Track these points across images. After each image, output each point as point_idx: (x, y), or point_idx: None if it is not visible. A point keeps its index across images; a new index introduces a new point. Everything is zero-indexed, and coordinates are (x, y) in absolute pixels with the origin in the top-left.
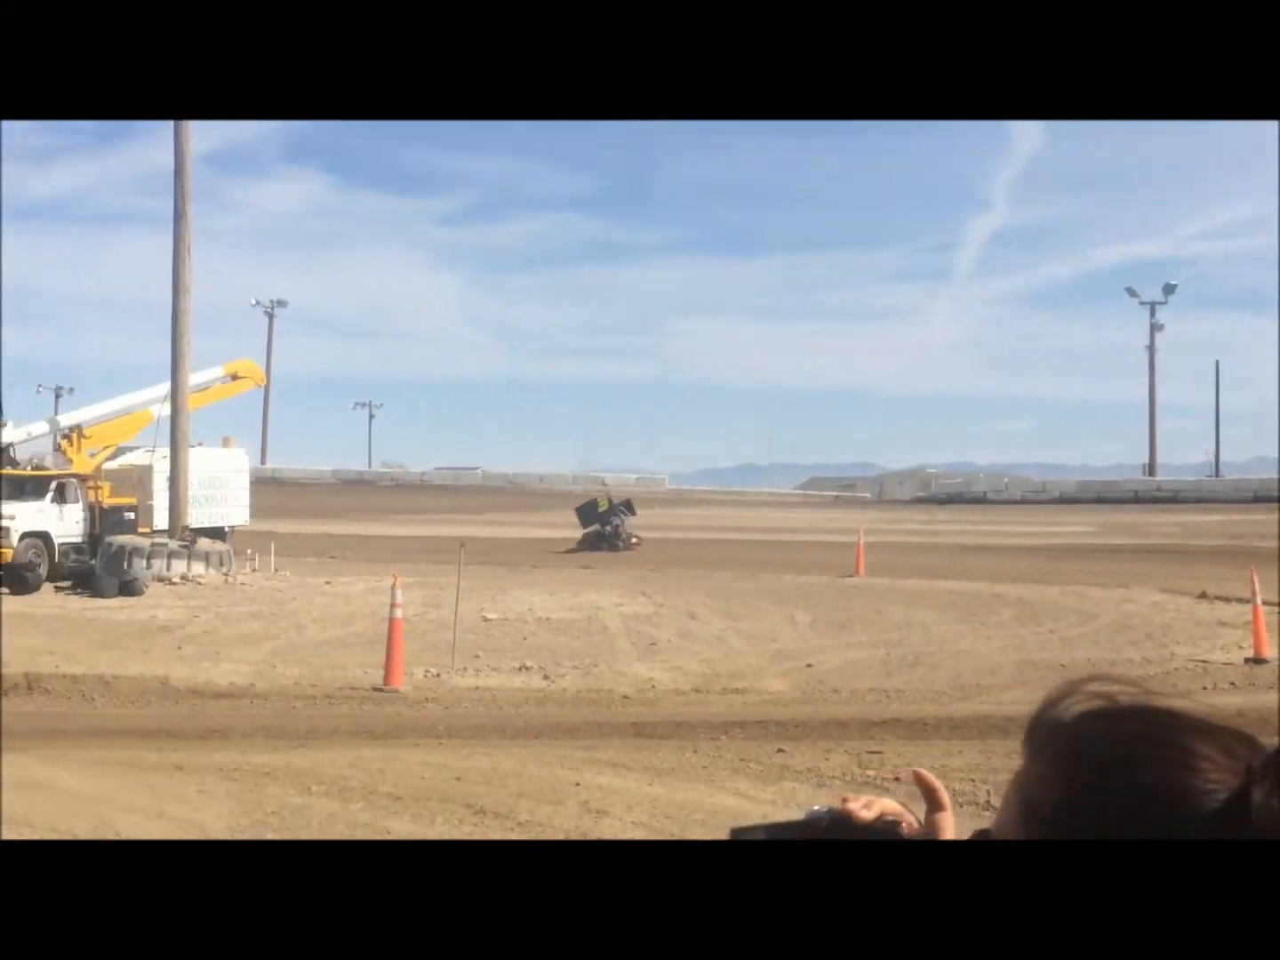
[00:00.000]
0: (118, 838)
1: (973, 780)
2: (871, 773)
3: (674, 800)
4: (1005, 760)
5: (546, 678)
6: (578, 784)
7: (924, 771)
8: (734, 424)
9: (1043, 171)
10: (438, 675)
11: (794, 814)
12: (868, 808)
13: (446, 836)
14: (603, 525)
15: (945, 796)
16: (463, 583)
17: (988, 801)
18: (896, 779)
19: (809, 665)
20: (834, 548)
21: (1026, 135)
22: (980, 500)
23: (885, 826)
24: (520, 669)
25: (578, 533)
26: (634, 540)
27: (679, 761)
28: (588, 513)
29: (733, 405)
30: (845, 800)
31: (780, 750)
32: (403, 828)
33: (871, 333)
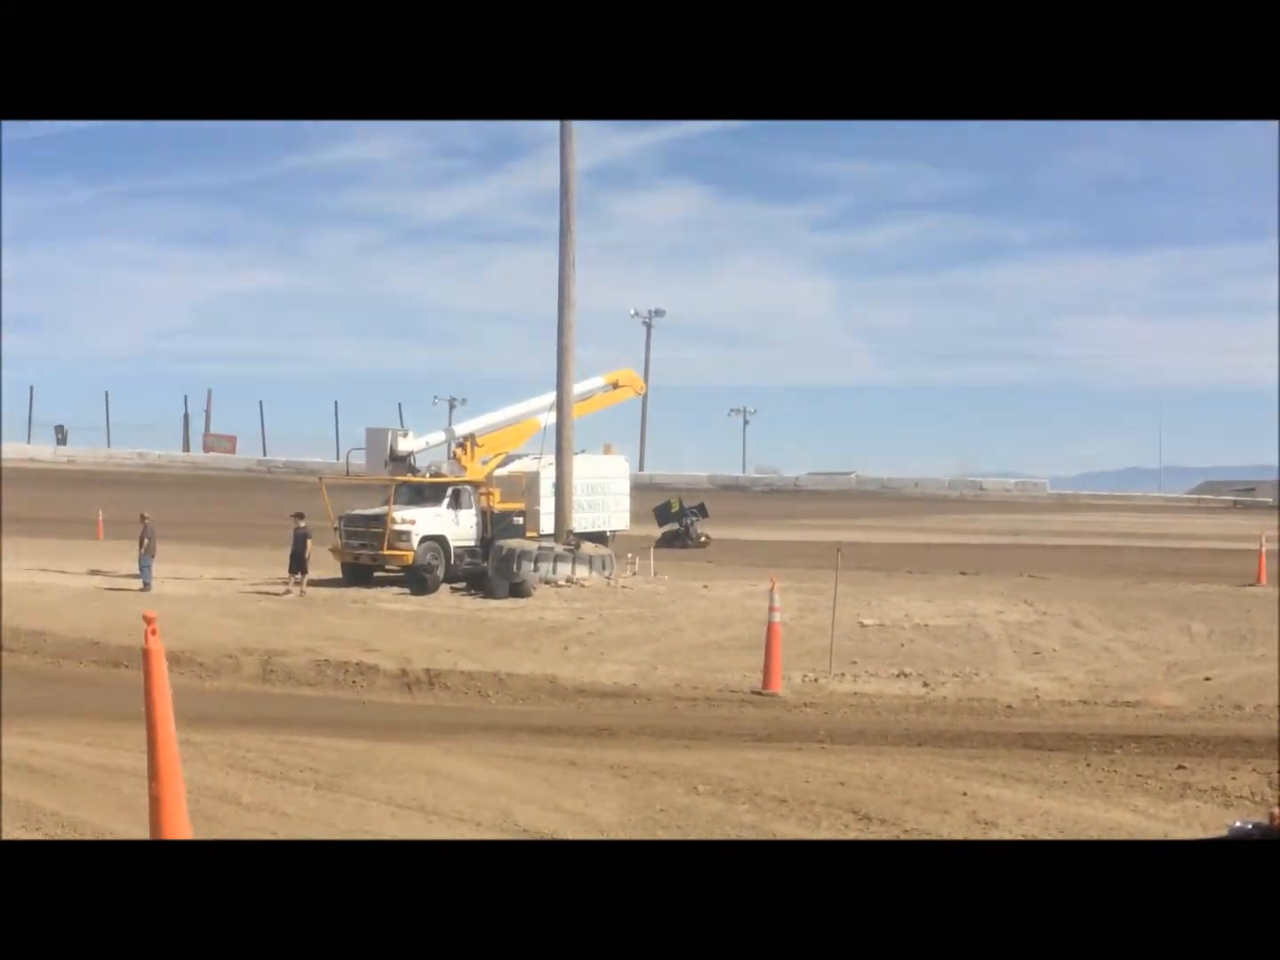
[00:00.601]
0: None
1: None
2: None
3: (1068, 815)
4: None
5: (926, 685)
6: (965, 794)
7: None
8: (1118, 425)
9: None
10: (815, 680)
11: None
12: None
13: (832, 840)
14: (679, 524)
15: None
16: (838, 588)
17: None
18: None
19: (1207, 679)
20: (1232, 555)
21: None
22: None
23: None
24: (899, 675)
25: (962, 539)
26: (703, 539)
27: (1071, 775)
28: (664, 513)
29: (1117, 406)
30: (1277, 816)
31: (1181, 767)
32: (788, 830)
33: (1270, 328)
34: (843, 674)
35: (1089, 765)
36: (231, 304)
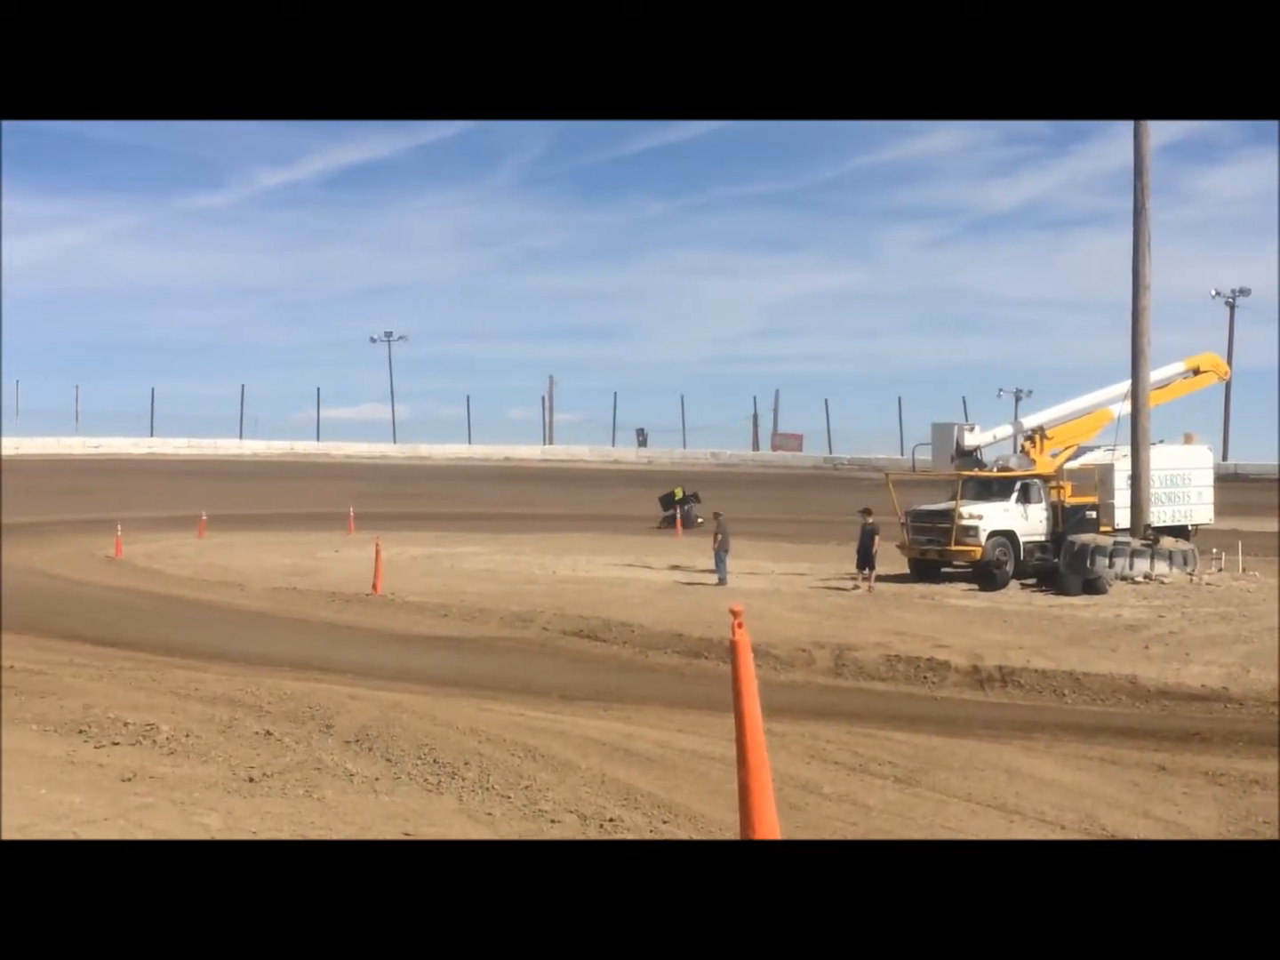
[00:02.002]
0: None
1: None
2: None
3: None
4: None
5: None
6: None
7: None
8: None
9: None
10: None
11: None
12: None
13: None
14: (679, 509)
15: None
16: None
17: None
18: None
19: None
20: None
21: None
22: None
23: None
24: None
25: None
26: (699, 520)
27: None
28: (666, 500)
29: None
30: None
31: None
32: None
33: None
34: None
35: None
36: (798, 306)
